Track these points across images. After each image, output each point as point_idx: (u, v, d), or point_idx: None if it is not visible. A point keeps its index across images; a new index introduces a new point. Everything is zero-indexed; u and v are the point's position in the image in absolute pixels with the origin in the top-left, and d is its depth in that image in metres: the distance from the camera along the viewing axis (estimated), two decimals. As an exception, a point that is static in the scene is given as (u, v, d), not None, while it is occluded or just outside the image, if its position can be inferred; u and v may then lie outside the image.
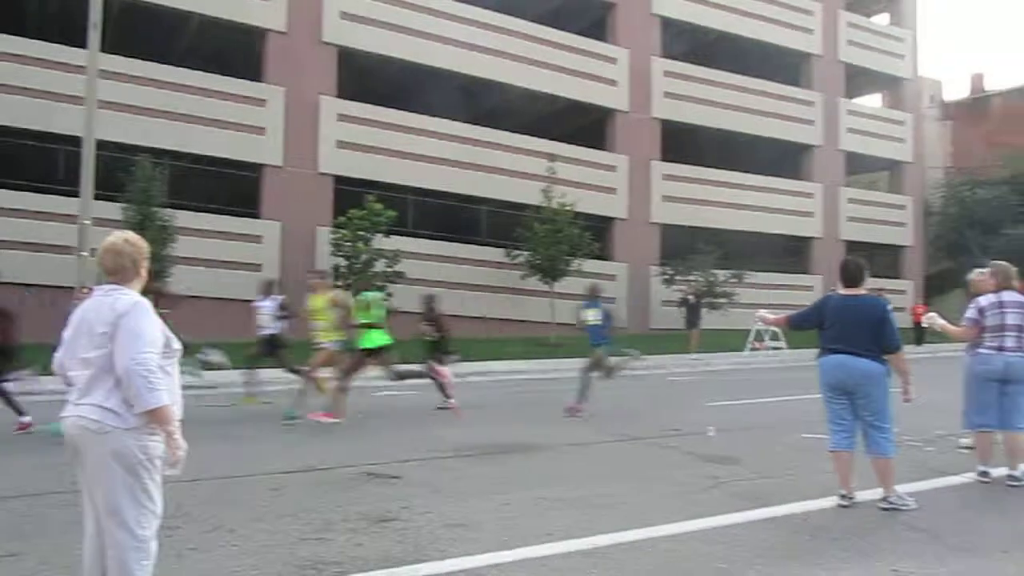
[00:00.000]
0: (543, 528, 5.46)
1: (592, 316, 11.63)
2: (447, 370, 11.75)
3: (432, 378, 11.65)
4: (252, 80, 23.13)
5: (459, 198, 25.57)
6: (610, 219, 28.37)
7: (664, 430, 9.68)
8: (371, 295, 11.06)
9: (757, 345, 23.05)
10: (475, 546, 5.04)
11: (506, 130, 26.32)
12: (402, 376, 11.61)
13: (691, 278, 25.89)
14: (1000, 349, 6.90)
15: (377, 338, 10.67)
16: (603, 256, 27.09)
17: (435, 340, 12.01)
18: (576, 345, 22.20)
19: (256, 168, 23.05)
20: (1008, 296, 7.03)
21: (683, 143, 29.99)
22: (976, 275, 8.60)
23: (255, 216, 22.99)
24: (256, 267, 22.14)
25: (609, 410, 11.81)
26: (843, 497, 6.06)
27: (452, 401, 11.30)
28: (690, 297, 22.62)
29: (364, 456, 7.99)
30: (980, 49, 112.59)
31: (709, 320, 24.90)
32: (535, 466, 7.93)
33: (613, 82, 28.85)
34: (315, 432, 9.59)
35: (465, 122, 25.63)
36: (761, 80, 31.83)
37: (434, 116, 25.15)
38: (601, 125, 29.30)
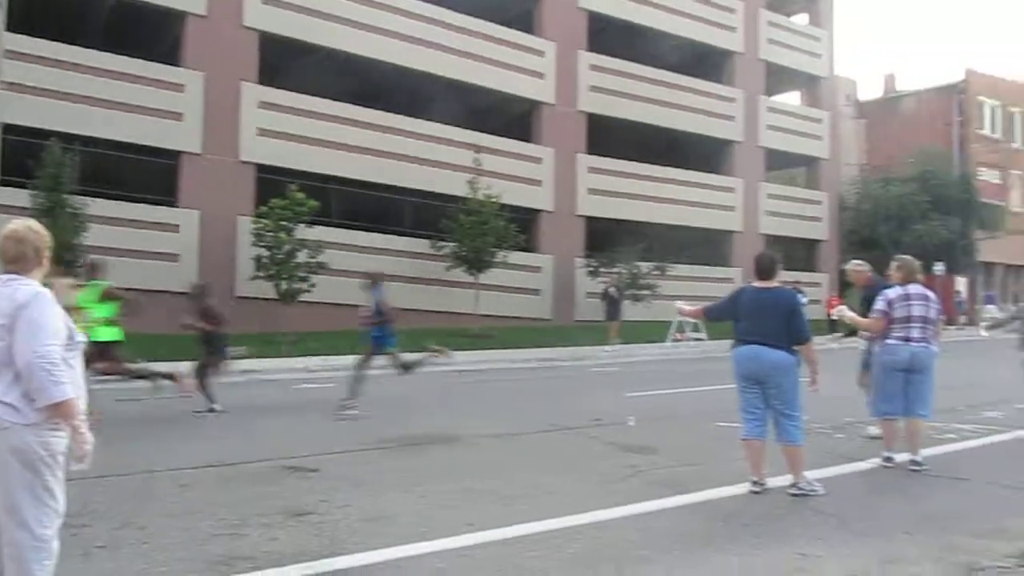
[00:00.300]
0: (463, 519, 5.47)
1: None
2: (190, 380, 10.43)
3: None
4: (170, 64, 22.44)
5: (384, 188, 25.29)
6: (536, 211, 28.48)
7: (586, 420, 9.78)
8: (103, 283, 9.71)
9: (679, 336, 23.47)
10: (393, 538, 5.01)
11: (432, 120, 26.15)
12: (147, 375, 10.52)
13: (615, 270, 26.20)
14: (906, 340, 7.17)
15: (106, 332, 9.51)
16: (529, 248, 27.20)
17: (207, 334, 10.59)
18: (501, 336, 22.37)
19: (173, 155, 22.38)
20: (914, 289, 7.32)
21: (609, 137, 30.28)
22: (852, 266, 8.96)
23: (173, 204, 22.35)
24: (174, 257, 21.56)
25: (530, 401, 11.89)
26: (755, 484, 6.24)
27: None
28: (611, 290, 22.83)
29: (282, 450, 7.86)
30: (892, 50, 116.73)
31: (633, 312, 25.26)
32: (457, 457, 7.95)
33: (540, 75, 28.92)
34: (230, 427, 9.40)
35: (390, 112, 25.37)
36: (685, 76, 32.32)
37: (359, 105, 24.83)
38: (527, 117, 29.37)
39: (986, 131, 42.05)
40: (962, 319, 35.30)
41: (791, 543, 5.00)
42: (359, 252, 24.16)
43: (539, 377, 16.01)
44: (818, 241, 37.10)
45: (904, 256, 7.64)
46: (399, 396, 11.95)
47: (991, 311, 35.13)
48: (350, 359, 16.85)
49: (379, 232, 25.07)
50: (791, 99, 39.87)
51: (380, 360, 10.77)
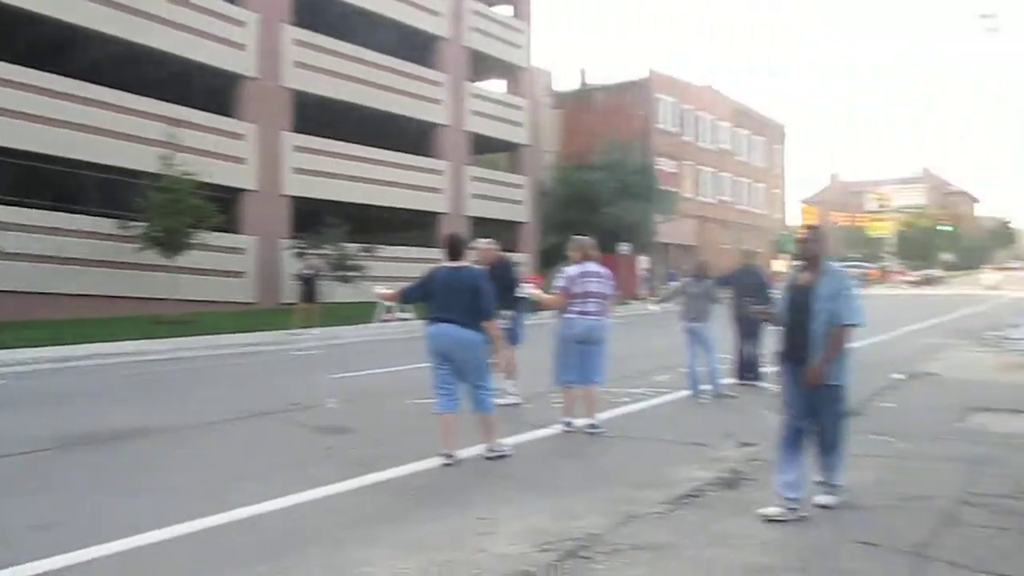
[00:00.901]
0: (146, 517, 5.11)
1: None
2: None
3: None
4: None
5: (63, 162, 22.72)
6: (238, 190, 27.16)
7: (284, 405, 9.56)
8: None
9: (386, 316, 23.60)
10: (55, 547, 4.56)
11: (119, 89, 23.92)
12: None
13: (322, 251, 25.77)
14: (583, 314, 7.78)
15: None
16: (231, 229, 25.95)
17: None
18: (203, 322, 21.14)
19: None
20: (591, 267, 7.95)
21: (317, 115, 29.63)
22: (481, 244, 9.54)
23: None
24: None
25: (227, 387, 11.41)
26: (446, 456, 6.47)
27: None
28: (306, 271, 22.22)
29: (-74, 458, 6.89)
30: (584, 45, 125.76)
31: (342, 293, 25.04)
32: (143, 452, 7.43)
33: (241, 46, 27.53)
34: None
35: (69, 77, 22.83)
36: (392, 58, 32.43)
37: (31, 67, 22.08)
38: (228, 91, 27.89)
39: (664, 125, 46.69)
40: (645, 294, 38.94)
41: (475, 509, 5.25)
42: (34, 233, 21.69)
43: (238, 363, 15.39)
44: (520, 223, 39.08)
45: (579, 237, 8.26)
46: (80, 390, 10.92)
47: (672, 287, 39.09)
48: (23, 353, 15.22)
49: (58, 211, 22.60)
50: (495, 87, 41.53)
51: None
